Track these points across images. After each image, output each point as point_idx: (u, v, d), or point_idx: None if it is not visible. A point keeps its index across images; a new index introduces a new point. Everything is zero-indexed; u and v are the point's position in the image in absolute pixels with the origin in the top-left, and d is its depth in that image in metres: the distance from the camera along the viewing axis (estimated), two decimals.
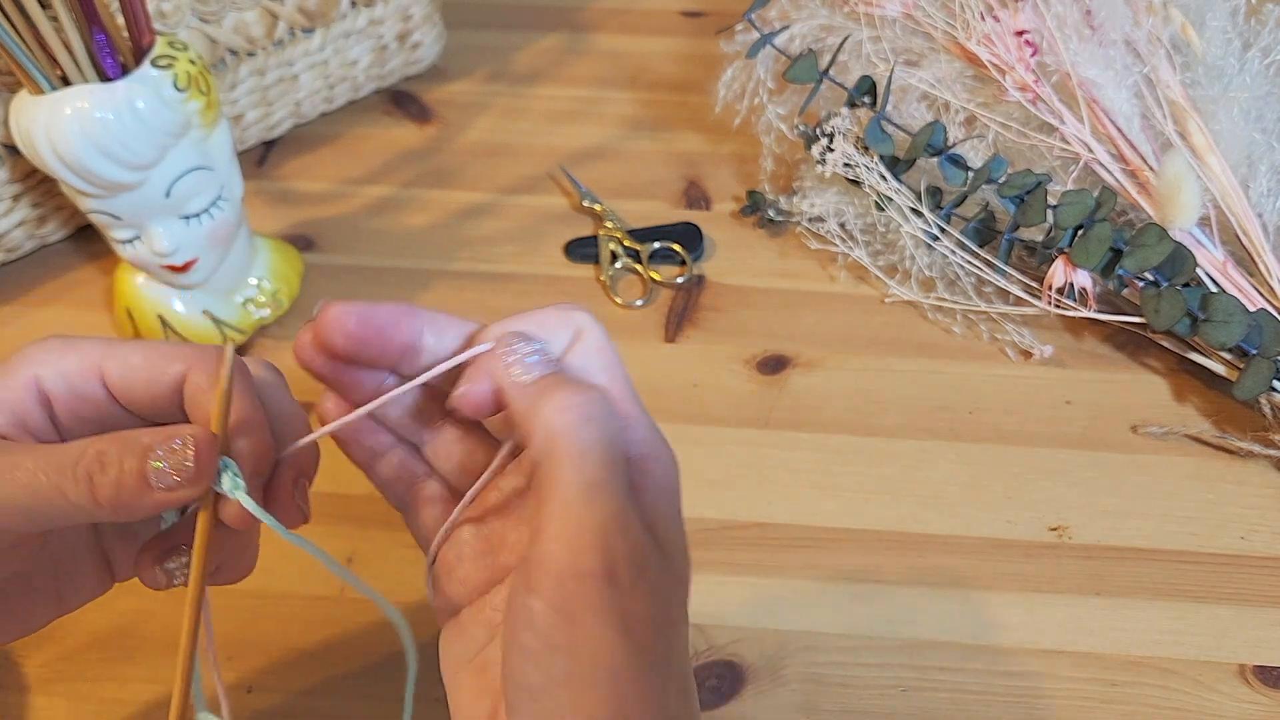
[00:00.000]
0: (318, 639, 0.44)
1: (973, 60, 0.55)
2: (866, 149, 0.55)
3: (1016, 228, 0.53)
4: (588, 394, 0.28)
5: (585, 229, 0.61)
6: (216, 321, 0.54)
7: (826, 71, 0.57)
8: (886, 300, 0.57)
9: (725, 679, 0.42)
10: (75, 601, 0.33)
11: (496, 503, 0.33)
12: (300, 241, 0.60)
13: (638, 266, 0.59)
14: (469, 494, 0.32)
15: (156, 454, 0.28)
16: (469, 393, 0.29)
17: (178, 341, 0.32)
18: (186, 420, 0.30)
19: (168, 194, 0.48)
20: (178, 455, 0.28)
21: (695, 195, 0.63)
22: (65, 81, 0.46)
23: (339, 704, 0.42)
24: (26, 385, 0.30)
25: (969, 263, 0.54)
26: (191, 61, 0.48)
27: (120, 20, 0.46)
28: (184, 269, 0.51)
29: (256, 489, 0.30)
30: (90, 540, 0.33)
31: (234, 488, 0.29)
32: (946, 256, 0.55)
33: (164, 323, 0.53)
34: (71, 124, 0.45)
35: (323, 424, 0.32)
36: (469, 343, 0.31)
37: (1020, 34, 0.53)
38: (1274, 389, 0.49)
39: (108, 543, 0.33)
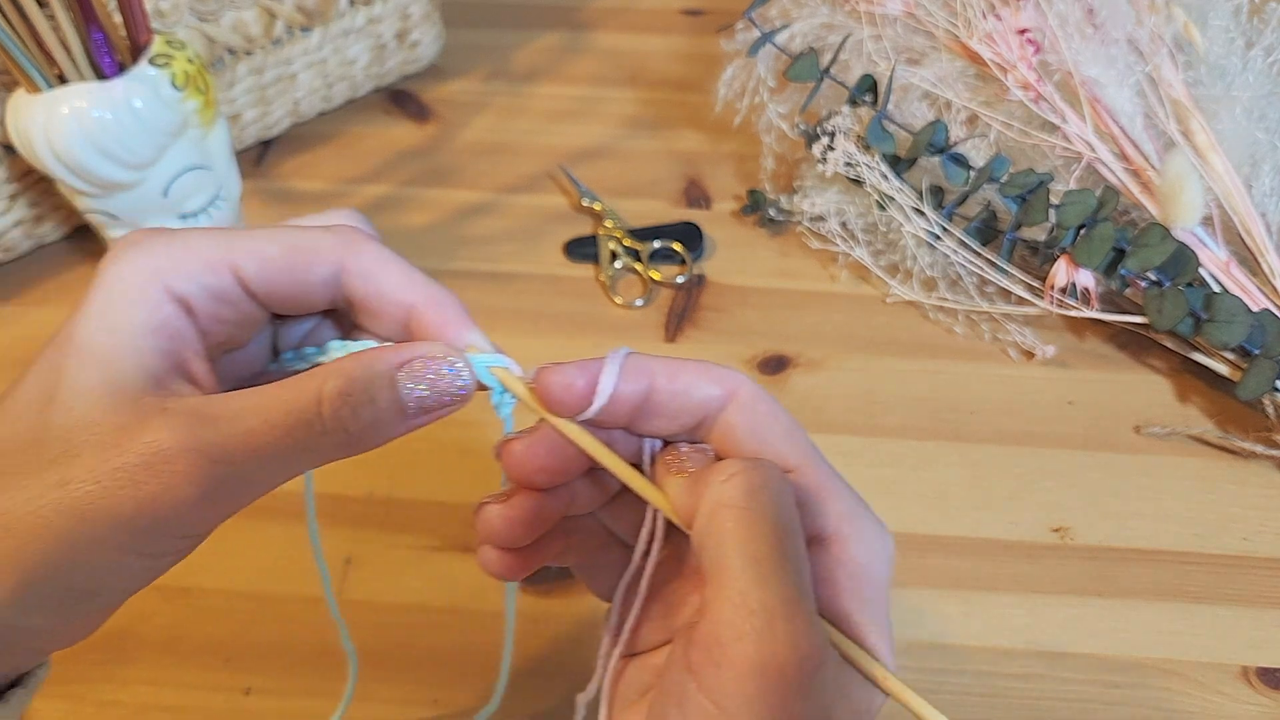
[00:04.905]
0: (318, 640, 0.43)
1: (974, 59, 0.55)
2: (868, 148, 0.55)
3: (1019, 227, 0.52)
4: (751, 460, 0.26)
5: (585, 228, 0.61)
6: None
7: (827, 70, 0.57)
8: (888, 300, 0.57)
9: None
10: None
11: (674, 562, 0.31)
12: None
13: (638, 266, 0.59)
14: (628, 577, 0.31)
15: (406, 378, 0.26)
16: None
17: (301, 224, 0.29)
18: (337, 308, 0.29)
19: (165, 193, 0.48)
20: (434, 375, 0.26)
21: (695, 194, 0.63)
22: (62, 80, 0.45)
23: (338, 705, 0.41)
24: (162, 298, 0.26)
25: (971, 262, 0.54)
26: (189, 60, 0.48)
27: (118, 19, 0.46)
28: None
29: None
30: None
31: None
32: (948, 256, 0.54)
33: None
34: (69, 123, 0.44)
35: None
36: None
37: (1022, 32, 0.53)
38: (1277, 389, 0.48)
39: None
